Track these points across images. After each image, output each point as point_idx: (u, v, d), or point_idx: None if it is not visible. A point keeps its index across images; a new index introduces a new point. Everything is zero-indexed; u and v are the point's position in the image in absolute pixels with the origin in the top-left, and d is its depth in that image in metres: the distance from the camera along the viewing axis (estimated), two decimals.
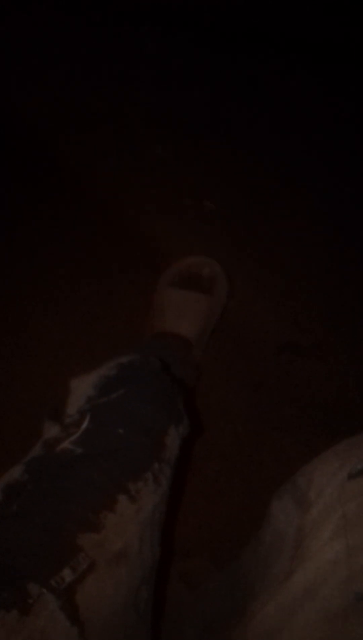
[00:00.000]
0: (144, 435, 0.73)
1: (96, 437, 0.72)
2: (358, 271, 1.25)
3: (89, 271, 1.25)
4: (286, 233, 1.32)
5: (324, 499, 0.65)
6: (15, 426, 1.05)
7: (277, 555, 0.67)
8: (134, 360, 0.84)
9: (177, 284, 1.18)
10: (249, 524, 1.00)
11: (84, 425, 0.73)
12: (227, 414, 1.11)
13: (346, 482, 0.63)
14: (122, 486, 0.68)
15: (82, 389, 0.80)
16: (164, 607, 0.82)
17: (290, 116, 1.49)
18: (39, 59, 1.58)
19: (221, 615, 0.77)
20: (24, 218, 1.33)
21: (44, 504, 0.65)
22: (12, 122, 1.49)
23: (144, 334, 1.17)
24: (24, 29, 1.64)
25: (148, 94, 1.53)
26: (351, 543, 0.59)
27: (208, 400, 1.12)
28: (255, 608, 0.64)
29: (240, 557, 0.80)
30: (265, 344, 1.18)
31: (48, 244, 1.29)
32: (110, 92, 1.53)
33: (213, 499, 1.04)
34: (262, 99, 1.53)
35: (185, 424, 0.79)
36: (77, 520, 0.64)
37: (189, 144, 1.44)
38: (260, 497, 1.03)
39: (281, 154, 1.43)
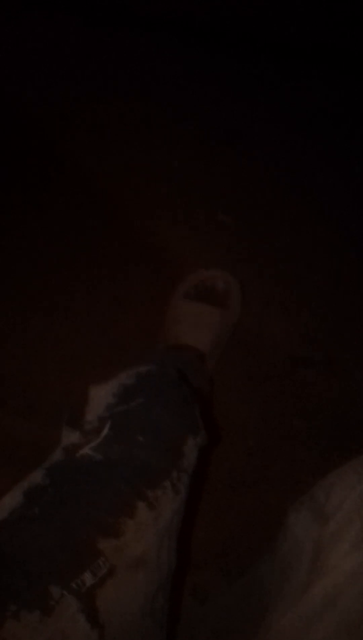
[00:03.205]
0: (163, 443, 0.74)
1: (115, 444, 0.72)
2: None
3: (99, 278, 1.27)
4: (298, 246, 1.34)
5: (343, 512, 0.65)
6: (30, 431, 1.06)
7: (294, 567, 0.68)
8: (153, 370, 0.85)
9: (192, 296, 1.19)
10: (259, 537, 1.01)
11: (104, 432, 0.74)
12: (238, 426, 1.12)
13: None
14: (142, 493, 0.69)
15: (101, 396, 0.80)
16: (179, 617, 0.82)
17: (305, 127, 1.51)
18: (48, 62, 1.60)
19: (234, 627, 0.77)
20: (30, 221, 1.34)
21: (65, 508, 0.66)
22: (18, 121, 1.50)
23: (156, 343, 1.18)
24: (30, 31, 1.66)
25: (164, 103, 1.55)
26: None
27: (220, 412, 1.13)
28: (272, 619, 0.65)
29: (254, 569, 0.80)
30: (277, 357, 1.19)
31: (57, 248, 1.31)
32: (125, 100, 1.55)
33: (222, 512, 1.05)
34: (276, 109, 1.55)
35: (202, 434, 0.80)
36: (98, 525, 0.65)
37: (203, 156, 1.46)
38: (271, 510, 1.04)
39: (296, 166, 1.44)
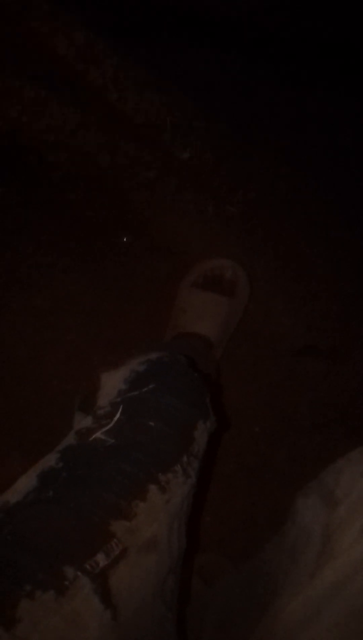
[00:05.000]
0: (174, 428, 0.75)
1: (127, 428, 0.73)
2: None
3: (108, 269, 1.27)
4: (305, 237, 1.34)
5: (352, 498, 0.66)
6: (41, 417, 1.07)
7: (303, 551, 0.69)
8: (163, 357, 0.85)
9: (199, 285, 1.20)
10: (263, 521, 1.02)
11: (117, 416, 0.74)
12: (244, 414, 1.13)
13: None
14: (153, 476, 0.70)
15: (112, 382, 0.81)
16: (188, 599, 0.83)
17: (311, 123, 1.51)
18: None
19: (241, 609, 0.78)
20: (35, 217, 1.34)
21: (78, 491, 0.67)
22: None
23: (164, 332, 1.19)
24: None
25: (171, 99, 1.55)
26: None
27: (226, 400, 1.14)
28: (282, 602, 0.66)
29: (261, 553, 0.82)
30: (283, 346, 1.20)
31: (66, 242, 1.31)
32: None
33: (228, 496, 1.06)
34: (282, 105, 1.55)
35: (212, 420, 0.81)
36: (110, 508, 0.66)
37: (211, 150, 1.46)
38: (275, 495, 1.05)
39: (303, 162, 1.45)
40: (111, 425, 0.73)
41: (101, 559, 0.62)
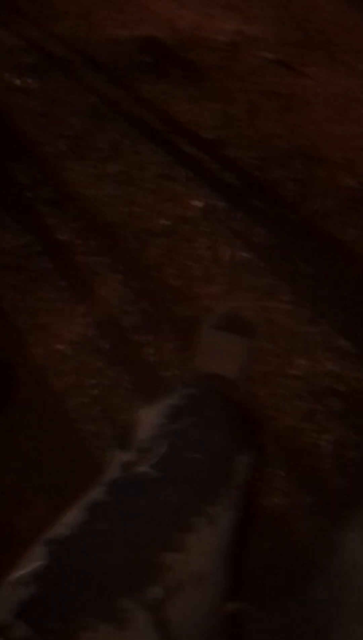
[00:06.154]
0: (218, 460, 0.75)
1: (172, 461, 0.73)
2: None
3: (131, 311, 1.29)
4: (318, 282, 1.37)
5: None
6: (65, 462, 1.07)
7: (353, 584, 0.68)
8: (198, 392, 0.86)
9: (220, 326, 1.21)
10: (291, 564, 1.01)
11: (163, 450, 0.75)
12: (269, 455, 1.13)
13: None
14: (200, 508, 0.69)
15: (150, 418, 0.81)
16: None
17: None
18: None
19: None
20: None
21: (129, 524, 0.67)
22: None
23: (186, 373, 1.20)
24: None
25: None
26: None
27: None
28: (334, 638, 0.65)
29: (301, 593, 0.80)
30: (302, 386, 1.21)
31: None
32: None
33: (254, 539, 1.05)
34: None
35: (253, 452, 0.81)
36: (161, 540, 0.65)
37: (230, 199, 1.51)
38: (302, 538, 1.04)
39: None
40: (155, 458, 0.73)
41: (158, 592, 0.61)
